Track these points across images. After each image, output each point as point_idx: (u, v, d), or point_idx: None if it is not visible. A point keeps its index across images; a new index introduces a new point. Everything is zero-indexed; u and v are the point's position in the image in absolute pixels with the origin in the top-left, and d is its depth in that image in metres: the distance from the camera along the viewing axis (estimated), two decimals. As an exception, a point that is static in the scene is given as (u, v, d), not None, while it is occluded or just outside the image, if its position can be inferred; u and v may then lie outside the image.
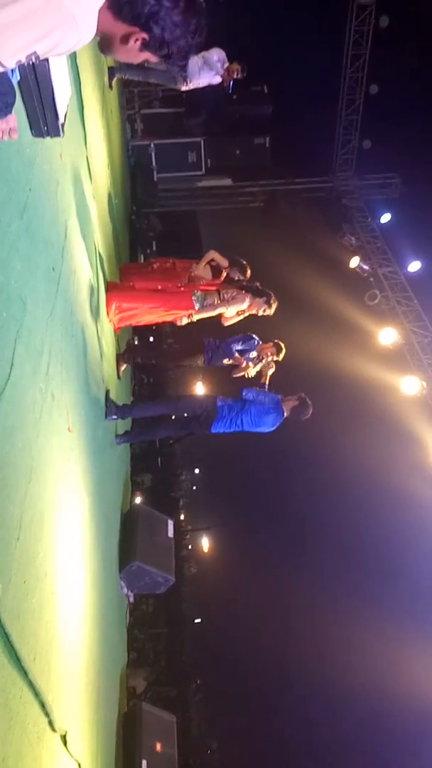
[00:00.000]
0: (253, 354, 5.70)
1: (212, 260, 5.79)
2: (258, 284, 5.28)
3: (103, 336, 5.09)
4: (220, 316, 5.33)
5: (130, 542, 4.91)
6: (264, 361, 5.69)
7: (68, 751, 2.72)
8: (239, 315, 5.36)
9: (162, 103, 11.06)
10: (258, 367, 5.63)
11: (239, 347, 5.69)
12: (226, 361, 5.70)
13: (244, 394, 5.00)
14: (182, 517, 14.54)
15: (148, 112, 10.99)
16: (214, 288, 5.28)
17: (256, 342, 5.76)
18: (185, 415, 4.96)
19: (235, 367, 5.62)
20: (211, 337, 5.85)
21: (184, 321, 5.19)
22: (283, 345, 5.71)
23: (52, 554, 2.96)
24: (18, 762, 2.14)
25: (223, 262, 5.80)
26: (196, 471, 16.35)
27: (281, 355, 5.71)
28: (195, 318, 5.20)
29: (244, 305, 5.14)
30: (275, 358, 5.69)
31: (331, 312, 8.47)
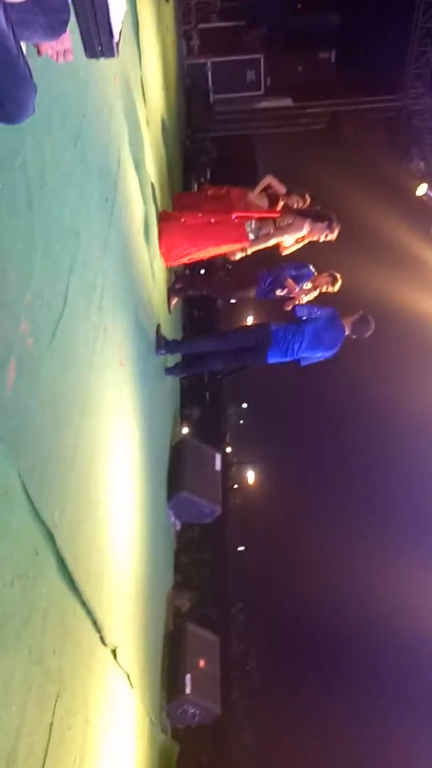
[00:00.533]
0: (307, 285, 5.47)
1: (269, 187, 5.51)
2: (318, 208, 4.88)
3: (154, 269, 5.03)
4: (278, 246, 5.04)
5: (179, 473, 5.04)
6: (318, 291, 5.48)
7: (118, 663, 2.91)
8: (298, 243, 5.01)
9: (220, 17, 10.37)
10: (311, 297, 5.44)
11: (292, 273, 5.48)
12: (279, 293, 5.48)
13: (297, 312, 4.64)
14: (228, 450, 14.78)
15: (205, 27, 10.33)
16: (269, 216, 4.98)
17: (310, 271, 5.54)
18: (238, 347, 4.79)
19: (288, 299, 5.35)
20: (264, 269, 5.67)
21: (238, 255, 4.99)
22: (339, 276, 5.46)
23: (104, 484, 3.07)
24: (73, 672, 2.30)
25: (281, 189, 5.48)
26: (244, 405, 16.44)
27: (337, 286, 5.48)
28: (250, 251, 4.98)
29: (303, 231, 4.76)
30: (331, 289, 5.47)
31: (393, 244, 7.97)
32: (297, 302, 5.15)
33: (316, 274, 5.53)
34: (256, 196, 5.37)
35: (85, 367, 2.80)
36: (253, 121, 9.20)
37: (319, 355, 4.59)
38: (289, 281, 5.34)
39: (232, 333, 4.95)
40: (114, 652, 2.83)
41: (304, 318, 4.53)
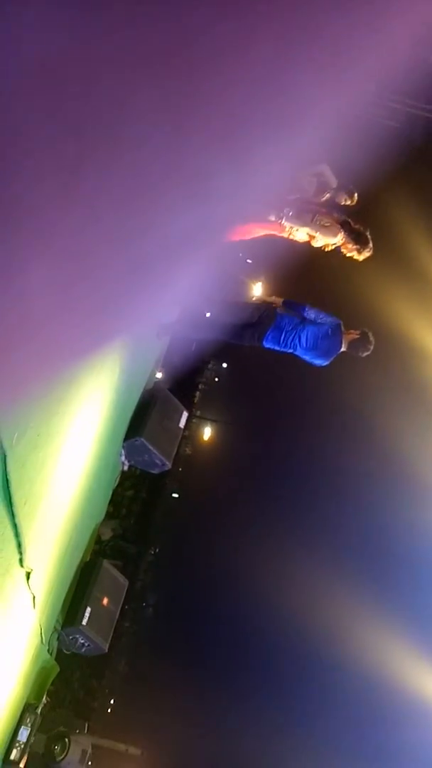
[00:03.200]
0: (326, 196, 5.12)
1: (321, 174, 5.32)
2: (361, 227, 4.72)
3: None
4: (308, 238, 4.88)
5: (143, 418, 5.05)
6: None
7: (28, 585, 2.96)
8: (326, 248, 4.89)
9: None
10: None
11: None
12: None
13: (305, 311, 4.56)
14: (195, 400, 14.83)
15: None
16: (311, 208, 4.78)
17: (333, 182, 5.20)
18: (241, 322, 4.71)
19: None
20: None
21: (272, 222, 4.74)
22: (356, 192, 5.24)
23: (71, 415, 3.05)
24: (-16, 585, 2.34)
25: (332, 181, 5.31)
26: (224, 365, 16.37)
27: (354, 199, 5.22)
28: (286, 230, 4.79)
29: (336, 239, 4.65)
30: (348, 201, 5.19)
31: (426, 277, 7.75)
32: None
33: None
34: (305, 177, 5.17)
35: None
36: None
37: (312, 360, 4.54)
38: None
39: (239, 306, 4.85)
40: (28, 574, 2.87)
41: (311, 318, 4.46)
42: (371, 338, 4.42)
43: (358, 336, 4.40)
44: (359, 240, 4.57)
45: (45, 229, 1.61)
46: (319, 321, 4.50)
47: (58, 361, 2.20)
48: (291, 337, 4.52)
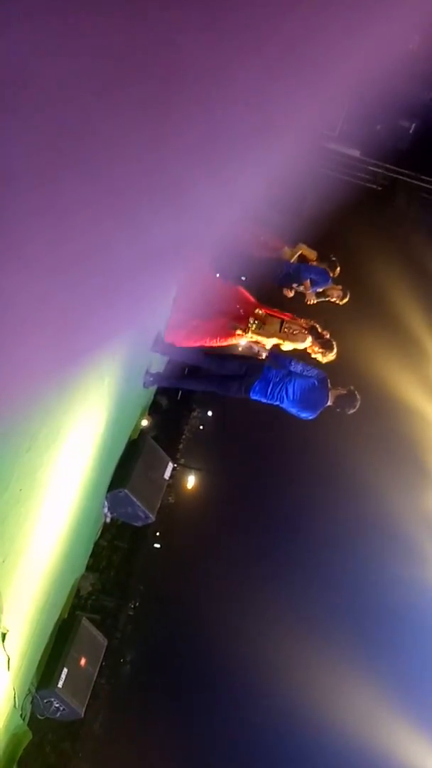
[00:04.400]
0: (320, 289, 5.88)
1: (299, 252, 5.84)
2: (328, 335, 4.89)
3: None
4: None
5: (127, 469, 4.97)
6: (327, 299, 5.94)
7: (3, 647, 2.84)
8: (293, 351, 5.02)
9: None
10: (316, 301, 5.86)
11: (313, 276, 5.85)
12: (293, 287, 5.76)
13: (291, 365, 4.64)
14: (180, 446, 14.72)
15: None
16: (278, 317, 4.91)
17: (328, 279, 5.92)
18: (227, 373, 4.76)
19: (295, 294, 5.76)
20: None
21: (238, 335, 4.88)
22: (349, 293, 5.91)
23: (54, 467, 3.00)
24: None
25: (311, 255, 5.79)
26: (209, 413, 16.40)
27: (344, 301, 5.92)
28: (244, 340, 4.92)
29: (304, 344, 4.81)
30: (338, 302, 5.91)
31: (408, 332, 7.92)
32: (308, 300, 5.69)
33: (332, 283, 5.91)
34: (290, 253, 5.66)
35: (76, 351, 2.73)
36: (316, 157, 9.19)
37: (298, 413, 4.59)
38: (307, 282, 5.73)
39: (227, 358, 4.91)
40: (3, 635, 2.76)
41: (297, 371, 4.54)
42: (358, 396, 4.49)
43: (345, 392, 4.46)
44: (325, 345, 4.78)
45: (18, 246, 1.59)
46: (305, 374, 4.56)
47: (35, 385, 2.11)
48: (278, 389, 4.57)
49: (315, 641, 8.21)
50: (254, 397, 4.70)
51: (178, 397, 11.73)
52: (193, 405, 14.77)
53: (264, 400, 4.70)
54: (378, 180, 9.16)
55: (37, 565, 3.23)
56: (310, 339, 4.80)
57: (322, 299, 6.00)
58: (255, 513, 9.25)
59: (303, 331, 4.77)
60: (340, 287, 5.96)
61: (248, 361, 4.85)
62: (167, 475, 5.48)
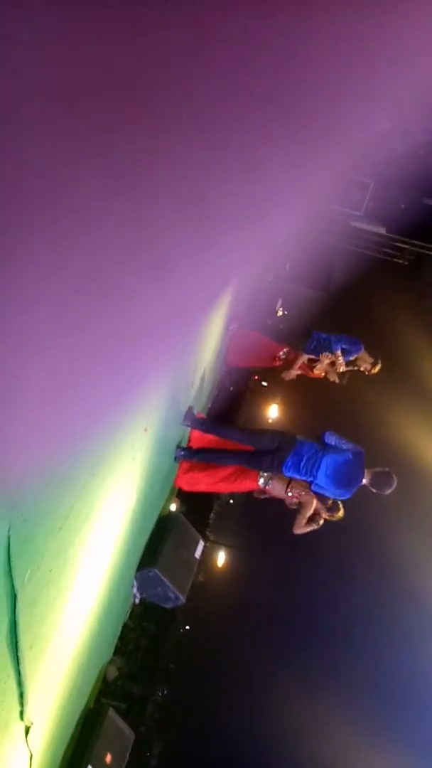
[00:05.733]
0: (351, 357, 5.92)
1: (361, 359, 5.97)
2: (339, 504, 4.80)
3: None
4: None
5: (157, 548, 4.84)
6: (357, 369, 5.98)
7: (27, 742, 2.69)
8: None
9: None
10: (345, 369, 5.92)
11: (344, 346, 5.88)
12: (324, 357, 5.86)
13: (326, 437, 4.49)
14: (209, 521, 14.42)
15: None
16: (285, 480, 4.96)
17: (360, 348, 5.96)
18: (258, 449, 4.69)
19: (328, 364, 5.89)
20: (321, 331, 6.05)
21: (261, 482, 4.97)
22: (380, 362, 5.95)
23: (85, 546, 2.94)
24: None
25: (368, 360, 5.98)
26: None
27: (376, 369, 5.96)
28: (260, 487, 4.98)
29: (312, 508, 4.80)
30: (370, 371, 5.96)
31: None
32: (335, 372, 5.81)
33: (363, 351, 5.94)
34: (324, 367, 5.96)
35: (111, 428, 2.74)
36: (341, 235, 9.47)
37: (334, 490, 4.42)
38: (338, 352, 5.81)
39: (258, 433, 4.86)
40: (27, 729, 2.61)
41: (332, 444, 4.40)
42: (394, 477, 4.32)
43: (381, 471, 4.30)
44: (330, 509, 4.76)
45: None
46: (340, 446, 4.41)
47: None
48: (311, 465, 4.43)
49: (364, 730, 7.59)
50: (288, 474, 4.58)
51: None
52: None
53: (297, 476, 4.57)
54: (405, 255, 9.36)
55: (65, 649, 3.11)
56: (315, 501, 4.77)
57: (352, 368, 6.03)
58: (289, 589, 8.84)
59: (310, 493, 4.74)
60: (371, 357, 6.01)
61: (280, 435, 4.78)
62: (198, 553, 5.33)
